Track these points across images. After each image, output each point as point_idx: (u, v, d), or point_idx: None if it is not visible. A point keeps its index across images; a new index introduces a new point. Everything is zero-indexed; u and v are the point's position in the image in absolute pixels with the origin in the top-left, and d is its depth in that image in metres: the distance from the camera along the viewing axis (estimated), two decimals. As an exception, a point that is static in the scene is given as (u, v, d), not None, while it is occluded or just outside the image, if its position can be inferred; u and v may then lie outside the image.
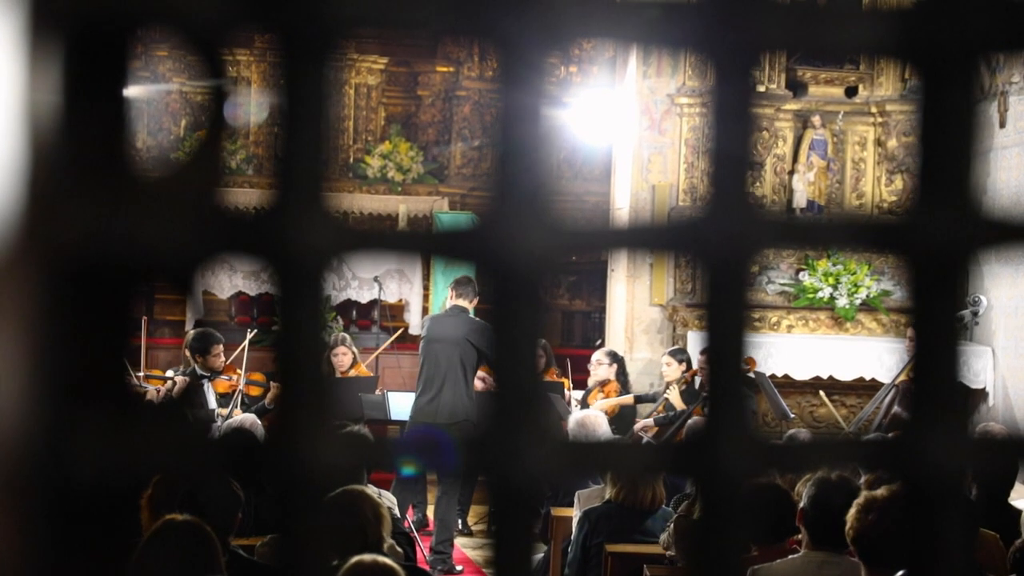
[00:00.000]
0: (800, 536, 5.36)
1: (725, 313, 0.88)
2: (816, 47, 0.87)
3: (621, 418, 10.47)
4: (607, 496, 6.96)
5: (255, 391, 10.37)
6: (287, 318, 0.83)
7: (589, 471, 0.89)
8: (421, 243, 0.86)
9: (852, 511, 4.70)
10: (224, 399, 9.99)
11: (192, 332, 11.11)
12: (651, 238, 0.88)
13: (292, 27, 0.82)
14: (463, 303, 9.84)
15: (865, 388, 11.60)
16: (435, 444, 0.87)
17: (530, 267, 0.85)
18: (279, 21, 0.82)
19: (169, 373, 10.14)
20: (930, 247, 0.86)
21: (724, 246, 0.87)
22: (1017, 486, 7.23)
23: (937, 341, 0.86)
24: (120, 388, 0.84)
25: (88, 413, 0.79)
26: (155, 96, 16.28)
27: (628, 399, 10.71)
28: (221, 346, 10.06)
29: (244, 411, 9.78)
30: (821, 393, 11.17)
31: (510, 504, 0.85)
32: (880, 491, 4.86)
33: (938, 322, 0.86)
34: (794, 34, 0.86)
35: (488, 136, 16.91)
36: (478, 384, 10.09)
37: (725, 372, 0.87)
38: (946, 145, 0.86)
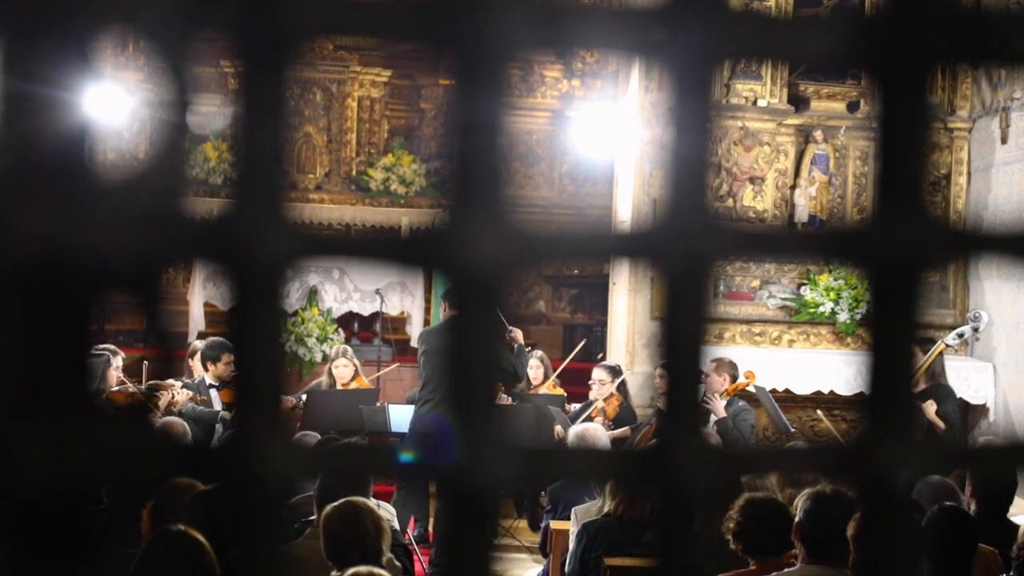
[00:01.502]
0: (796, 551, 5.36)
1: (683, 322, 0.88)
2: (775, 56, 0.87)
3: (617, 424, 10.46)
4: (605, 509, 6.96)
5: None
6: (244, 325, 0.84)
7: (546, 478, 0.89)
8: (380, 249, 0.86)
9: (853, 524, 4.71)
10: (229, 408, 10.01)
11: (202, 341, 11.13)
12: (610, 247, 0.89)
13: (250, 34, 0.83)
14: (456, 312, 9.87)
15: (866, 403, 11.56)
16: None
17: (489, 273, 0.86)
18: (237, 28, 0.83)
19: (170, 383, 10.14)
20: (887, 257, 0.86)
21: (681, 255, 0.87)
22: (1017, 501, 7.22)
23: (893, 350, 0.86)
24: (79, 396, 0.84)
25: (42, 421, 0.79)
26: (157, 106, 16.24)
27: (624, 432, 10.68)
28: (232, 355, 10.07)
29: None
30: (819, 412, 11.16)
31: (465, 511, 0.85)
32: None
33: (894, 331, 0.86)
34: (754, 43, 0.86)
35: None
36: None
37: (683, 381, 0.87)
38: (902, 155, 0.86)
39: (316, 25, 0.84)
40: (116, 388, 9.50)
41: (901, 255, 0.85)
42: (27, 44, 0.81)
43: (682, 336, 0.87)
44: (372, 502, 5.56)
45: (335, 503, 5.14)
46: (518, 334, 10.93)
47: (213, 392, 9.95)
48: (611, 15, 0.86)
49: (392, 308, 14.28)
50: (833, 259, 0.88)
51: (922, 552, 5.08)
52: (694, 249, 0.88)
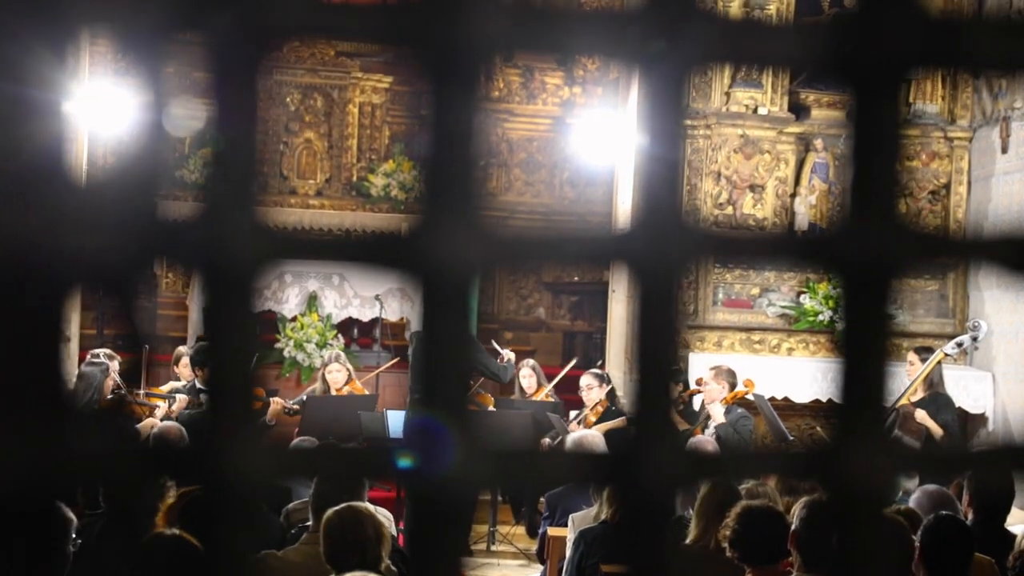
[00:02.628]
0: (793, 559, 5.35)
1: (654, 323, 0.88)
2: (746, 60, 0.88)
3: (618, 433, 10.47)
4: (603, 516, 6.96)
5: (255, 405, 10.40)
6: (215, 326, 0.84)
7: (513, 479, 0.89)
8: (349, 250, 0.87)
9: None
10: None
11: (191, 347, 11.13)
12: (580, 249, 0.89)
13: (222, 35, 0.83)
14: None
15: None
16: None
17: (458, 275, 0.86)
18: (209, 29, 0.83)
19: (166, 388, 10.13)
20: (857, 261, 0.86)
21: (653, 257, 0.87)
22: (1015, 511, 7.21)
23: (863, 354, 0.86)
24: (50, 396, 0.85)
25: (10, 422, 0.79)
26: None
27: (619, 422, 10.71)
28: None
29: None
30: (818, 428, 11.16)
31: (432, 512, 0.85)
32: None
33: (865, 336, 0.86)
34: (723, 47, 0.87)
35: (493, 156, 16.93)
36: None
37: (651, 382, 0.87)
38: (874, 161, 0.86)
39: (288, 26, 0.84)
40: (111, 395, 9.50)
41: (871, 260, 0.85)
42: (2, 45, 0.81)
43: (653, 339, 0.87)
44: (369, 508, 5.56)
45: (337, 507, 5.14)
46: (510, 355, 10.98)
47: (203, 397, 9.95)
48: (588, 17, 0.87)
49: (391, 314, 14.28)
50: (803, 263, 0.88)
51: (894, 556, 5.08)
52: (665, 252, 0.88)
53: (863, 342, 0.86)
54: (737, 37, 0.87)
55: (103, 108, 12.68)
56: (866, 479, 0.84)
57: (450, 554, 0.85)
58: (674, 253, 0.87)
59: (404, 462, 0.87)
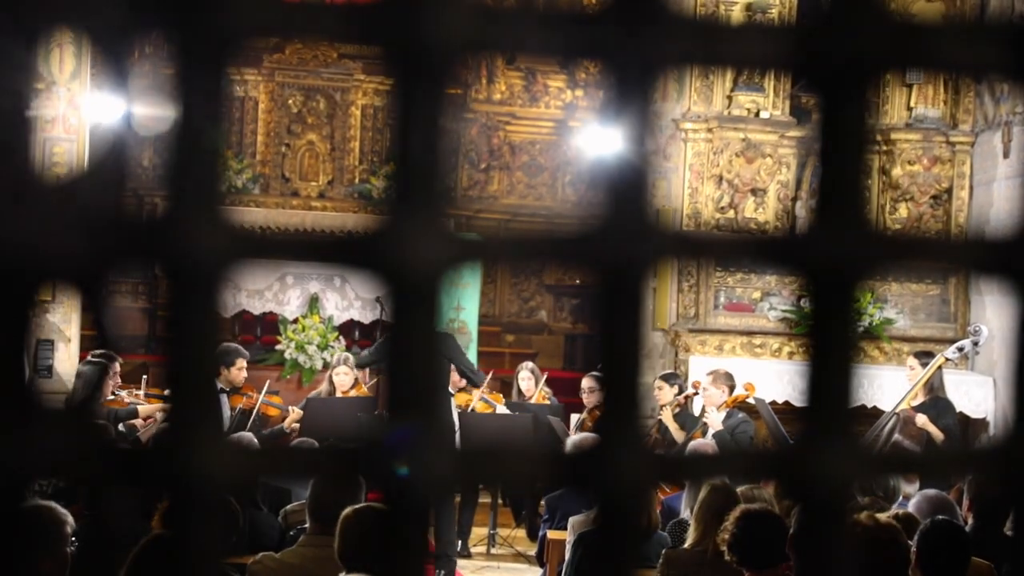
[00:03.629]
0: (792, 562, 5.34)
1: (619, 325, 0.88)
2: (711, 62, 0.87)
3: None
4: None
5: (272, 412, 10.39)
6: (178, 325, 0.84)
7: (478, 480, 0.89)
8: (315, 250, 0.87)
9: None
10: (236, 413, 10.02)
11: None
12: (547, 249, 0.89)
13: (187, 35, 0.83)
14: None
15: (866, 416, 11.56)
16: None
17: (425, 275, 0.86)
18: (174, 29, 0.83)
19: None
20: (824, 263, 0.86)
21: (617, 258, 0.87)
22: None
23: (829, 356, 0.86)
24: (15, 392, 0.85)
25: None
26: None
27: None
28: (245, 361, 10.13)
29: (254, 430, 9.79)
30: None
31: (400, 511, 0.85)
32: (863, 515, 4.84)
33: (832, 338, 0.86)
34: (692, 49, 0.87)
35: (495, 159, 16.93)
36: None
37: (619, 385, 0.87)
38: (840, 163, 0.86)
39: (254, 27, 0.84)
40: (111, 397, 9.48)
41: (837, 262, 0.85)
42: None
43: (619, 338, 0.87)
44: None
45: (357, 506, 5.14)
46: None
47: (223, 397, 9.94)
48: (551, 18, 0.87)
49: (391, 316, 14.25)
50: (770, 264, 0.88)
51: (859, 558, 5.09)
52: (630, 252, 0.88)
53: (828, 344, 0.86)
54: (703, 38, 0.86)
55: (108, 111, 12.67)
56: (829, 481, 0.83)
57: (413, 552, 0.85)
58: (639, 254, 0.87)
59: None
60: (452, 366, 9.84)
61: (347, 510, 5.09)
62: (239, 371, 10.02)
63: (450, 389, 10.83)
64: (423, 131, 0.87)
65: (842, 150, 0.86)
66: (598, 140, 14.12)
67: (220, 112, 0.83)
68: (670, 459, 0.84)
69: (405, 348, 0.87)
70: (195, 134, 0.84)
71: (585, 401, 10.95)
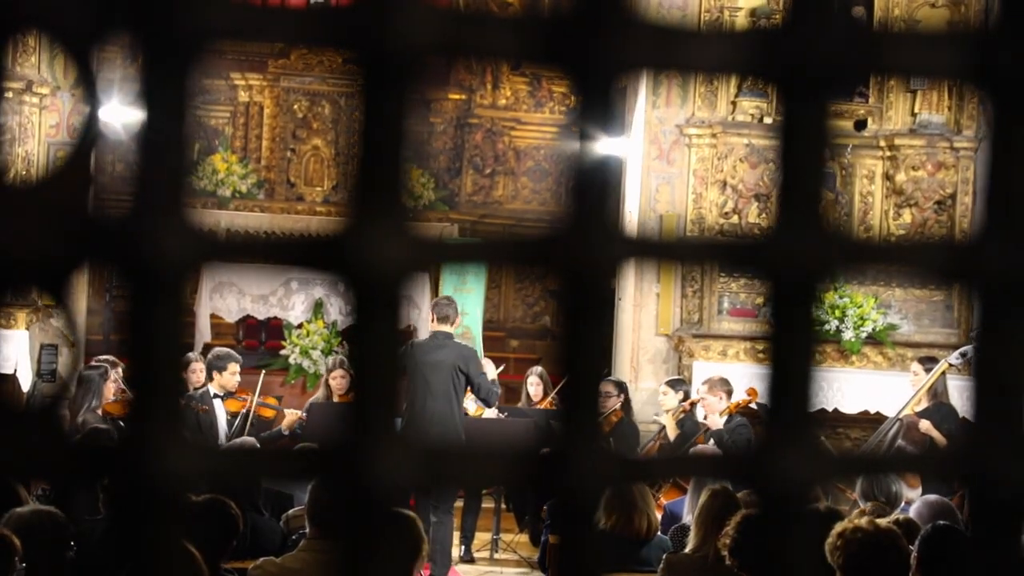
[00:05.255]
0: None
1: (583, 327, 0.88)
2: (676, 67, 0.88)
3: (616, 441, 10.43)
4: (602, 526, 6.93)
5: (268, 413, 10.39)
6: (142, 327, 0.84)
7: (445, 481, 0.89)
8: (280, 253, 0.87)
9: (830, 540, 4.71)
10: (234, 418, 10.03)
11: (194, 353, 11.15)
12: (511, 253, 0.89)
13: (152, 38, 0.84)
14: (447, 328, 9.82)
15: (869, 421, 11.55)
16: None
17: (388, 277, 0.86)
18: (140, 31, 0.84)
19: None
20: (786, 266, 0.86)
21: (582, 261, 0.88)
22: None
23: (791, 358, 0.86)
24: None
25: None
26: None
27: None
28: (239, 366, 10.13)
29: (254, 433, 9.81)
30: (822, 438, 11.15)
31: (362, 512, 0.85)
32: (863, 520, 4.84)
33: (792, 339, 0.87)
34: (655, 53, 0.87)
35: (500, 164, 16.94)
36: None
37: (582, 387, 0.88)
38: (800, 166, 0.87)
39: (219, 29, 0.85)
40: (114, 399, 9.48)
41: (797, 266, 0.86)
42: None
43: (582, 341, 0.88)
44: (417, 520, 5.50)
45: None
46: (489, 365, 10.83)
47: (217, 402, 9.96)
48: (513, 22, 0.87)
49: (397, 321, 14.24)
50: (732, 268, 0.88)
51: (821, 560, 5.09)
52: (598, 256, 0.88)
53: (789, 347, 0.86)
54: (664, 43, 0.87)
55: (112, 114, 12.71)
56: (789, 482, 0.84)
57: (376, 548, 0.85)
58: (602, 257, 0.87)
59: None
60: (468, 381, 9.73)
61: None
62: (232, 376, 10.02)
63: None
64: (387, 133, 0.87)
65: (801, 154, 0.86)
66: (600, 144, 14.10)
67: (185, 114, 0.84)
68: (632, 460, 0.84)
69: (369, 348, 0.87)
70: (160, 136, 0.84)
71: (600, 405, 10.86)
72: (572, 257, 0.88)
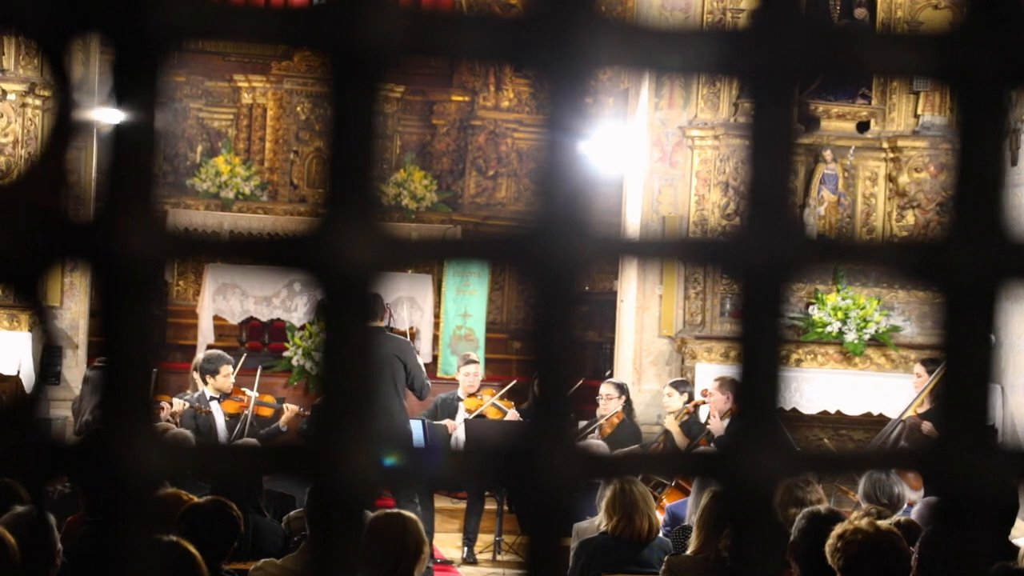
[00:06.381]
0: (792, 570, 5.33)
1: (552, 325, 0.89)
2: (643, 67, 0.88)
3: (617, 443, 10.42)
4: (602, 528, 6.94)
5: (266, 412, 10.40)
6: (111, 324, 0.85)
7: (408, 480, 0.89)
8: (248, 251, 0.88)
9: (831, 541, 4.71)
10: (233, 420, 10.04)
11: (202, 354, 11.17)
12: (477, 250, 0.90)
13: (121, 36, 0.84)
14: (375, 322, 9.86)
15: (872, 423, 11.55)
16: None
17: (357, 276, 0.87)
18: (109, 30, 0.84)
19: (176, 400, 10.12)
20: (751, 265, 0.87)
21: (551, 261, 0.88)
22: (1019, 524, 7.18)
23: (758, 357, 0.87)
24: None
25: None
26: (171, 121, 16.42)
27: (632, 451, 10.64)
28: (231, 367, 10.13)
29: (252, 432, 9.82)
30: (825, 440, 11.16)
31: (333, 512, 0.86)
32: (863, 522, 4.84)
33: (759, 338, 0.87)
34: (621, 53, 0.88)
35: (503, 165, 16.95)
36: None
37: (550, 384, 0.88)
38: (768, 165, 0.87)
39: (188, 28, 0.85)
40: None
41: (764, 264, 0.86)
42: None
43: (551, 338, 0.88)
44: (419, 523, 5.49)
45: (389, 511, 5.16)
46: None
47: (215, 404, 9.97)
48: (482, 21, 0.87)
49: (400, 323, 14.30)
50: (701, 266, 0.89)
51: (786, 557, 5.09)
52: (566, 256, 0.89)
53: (756, 345, 0.87)
54: (634, 42, 0.87)
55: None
56: (755, 478, 0.84)
57: (346, 548, 0.86)
58: (572, 256, 0.88)
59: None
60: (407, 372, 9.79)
61: (379, 512, 5.12)
62: (225, 377, 10.03)
63: (459, 394, 10.81)
64: (357, 133, 0.88)
65: (769, 152, 0.87)
66: (601, 146, 14.11)
67: (155, 113, 0.85)
68: (597, 457, 0.85)
69: (338, 347, 0.88)
70: (129, 134, 0.85)
71: (602, 409, 10.85)
72: (539, 256, 0.88)
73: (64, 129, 0.91)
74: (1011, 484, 0.85)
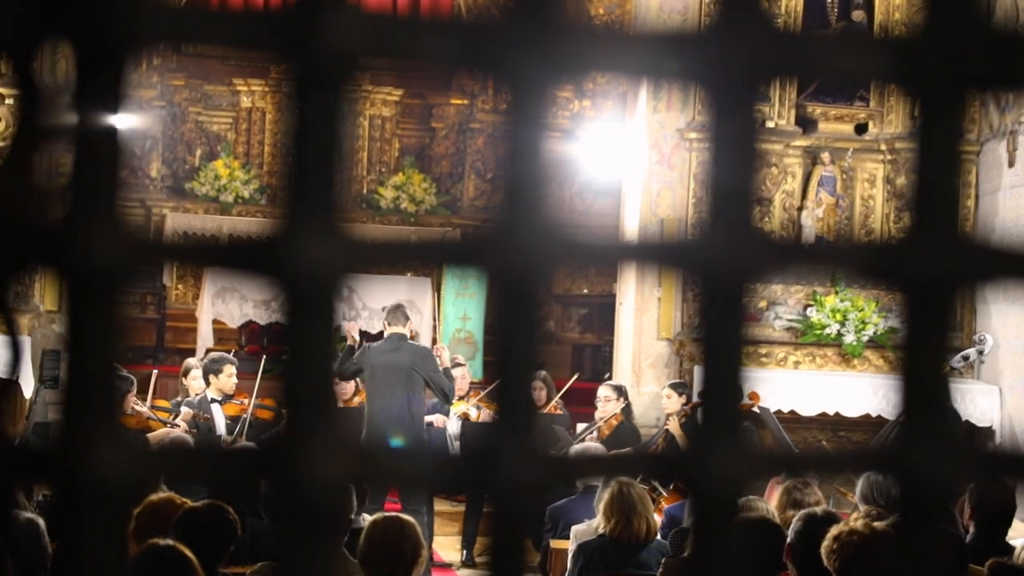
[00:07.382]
0: (789, 572, 5.33)
1: (517, 325, 0.89)
2: (611, 70, 0.89)
3: (616, 445, 10.42)
4: (600, 530, 6.94)
5: (266, 415, 10.40)
6: (76, 329, 0.85)
7: (380, 480, 0.90)
8: (208, 255, 0.88)
9: (826, 543, 4.71)
10: (233, 422, 10.03)
11: (194, 359, 11.17)
12: (440, 253, 0.90)
13: (84, 41, 0.85)
14: (399, 329, 9.98)
15: (871, 425, 11.55)
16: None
17: (320, 279, 0.87)
18: (71, 34, 0.85)
19: (184, 409, 10.10)
20: (713, 267, 0.87)
21: (517, 262, 0.88)
22: (1016, 524, 7.18)
23: (720, 358, 0.87)
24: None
25: None
26: (170, 125, 16.43)
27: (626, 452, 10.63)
28: (234, 368, 10.14)
29: (252, 435, 9.81)
30: (824, 442, 11.16)
31: (304, 513, 0.86)
32: (859, 523, 4.84)
33: (720, 340, 0.87)
34: (590, 57, 0.88)
35: (500, 168, 16.94)
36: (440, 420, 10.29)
37: (514, 386, 0.88)
38: (731, 167, 0.87)
39: (151, 32, 0.86)
40: (129, 413, 9.48)
41: (727, 266, 0.86)
42: None
43: (514, 342, 0.89)
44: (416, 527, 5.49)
45: (387, 515, 5.17)
46: (443, 352, 10.81)
47: (215, 407, 9.96)
48: (443, 26, 0.88)
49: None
50: (665, 268, 0.89)
51: (783, 559, 5.09)
52: (532, 258, 0.89)
53: (718, 346, 0.87)
54: (598, 48, 0.88)
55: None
56: (719, 479, 0.84)
57: (316, 547, 0.86)
58: (534, 258, 0.88)
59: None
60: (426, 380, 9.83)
61: (377, 516, 5.13)
62: (228, 378, 10.03)
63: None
64: (320, 136, 0.88)
65: (731, 157, 0.87)
66: (604, 149, 14.11)
67: (118, 113, 0.85)
68: (562, 459, 0.85)
69: (301, 351, 0.88)
70: (93, 139, 0.85)
71: (600, 411, 10.85)
72: (502, 258, 0.89)
73: (31, 133, 0.91)
74: (1010, 485, 0.85)
